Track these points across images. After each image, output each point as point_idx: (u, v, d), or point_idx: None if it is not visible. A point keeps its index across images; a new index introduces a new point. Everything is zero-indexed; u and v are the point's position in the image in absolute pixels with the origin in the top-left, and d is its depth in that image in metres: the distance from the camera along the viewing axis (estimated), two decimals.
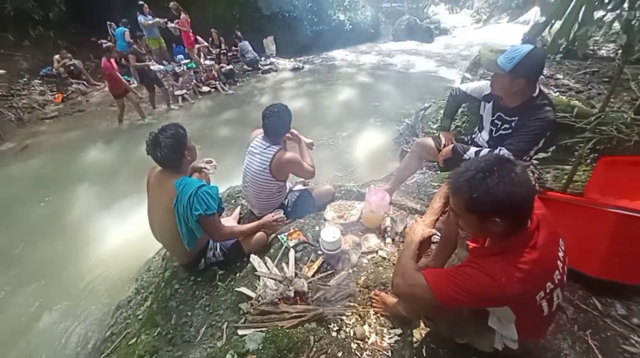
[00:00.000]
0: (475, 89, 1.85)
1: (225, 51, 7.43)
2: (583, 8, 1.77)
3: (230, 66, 7.33)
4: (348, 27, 10.30)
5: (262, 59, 8.39)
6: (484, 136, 1.81)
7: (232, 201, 2.55)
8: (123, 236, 2.98)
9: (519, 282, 0.81)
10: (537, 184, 2.24)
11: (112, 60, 4.92)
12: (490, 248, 0.93)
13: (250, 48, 7.94)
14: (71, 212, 3.48)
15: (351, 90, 6.72)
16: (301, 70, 8.14)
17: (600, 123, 2.26)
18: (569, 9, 1.80)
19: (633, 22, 1.74)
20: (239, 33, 7.91)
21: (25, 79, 6.62)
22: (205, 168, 1.94)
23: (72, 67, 6.74)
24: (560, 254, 0.92)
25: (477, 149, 1.68)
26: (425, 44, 10.53)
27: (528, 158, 1.63)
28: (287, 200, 2.17)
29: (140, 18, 6.78)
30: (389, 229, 1.89)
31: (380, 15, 11.62)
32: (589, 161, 2.48)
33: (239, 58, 8.03)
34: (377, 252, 1.77)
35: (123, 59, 6.20)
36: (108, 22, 7.36)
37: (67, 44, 7.29)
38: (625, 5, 1.74)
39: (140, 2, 6.71)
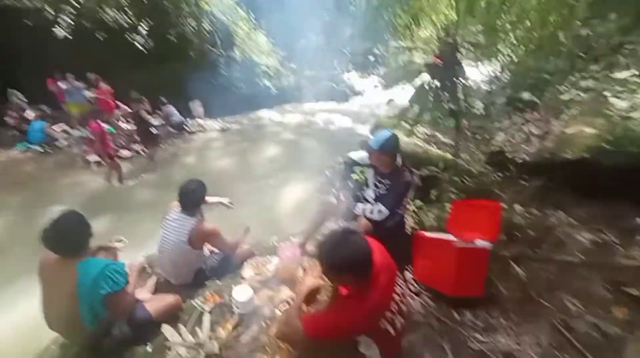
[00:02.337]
0: (363, 158, 2.36)
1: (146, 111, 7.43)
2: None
3: (154, 130, 7.29)
4: (274, 92, 11.27)
5: (189, 120, 8.55)
6: (370, 193, 2.26)
7: (149, 271, 2.51)
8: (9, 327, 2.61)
9: (367, 316, 1.12)
10: (412, 228, 2.72)
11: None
12: (348, 293, 1.23)
13: (175, 111, 8.07)
14: None
15: (277, 147, 7.20)
16: (228, 130, 8.49)
17: (456, 173, 2.94)
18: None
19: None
20: (162, 98, 8.03)
21: None
22: (114, 247, 1.96)
23: None
24: (398, 289, 1.25)
25: (364, 205, 2.12)
26: (342, 103, 11.98)
27: (402, 208, 2.14)
28: (205, 265, 2.25)
29: (61, 84, 6.62)
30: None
31: (302, 81, 13.02)
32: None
33: (163, 121, 8.06)
34: (288, 302, 1.95)
35: None
36: (12, 91, 6.91)
37: None
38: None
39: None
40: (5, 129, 6.93)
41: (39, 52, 7.22)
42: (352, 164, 2.52)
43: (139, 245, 2.93)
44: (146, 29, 7.61)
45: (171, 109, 8.01)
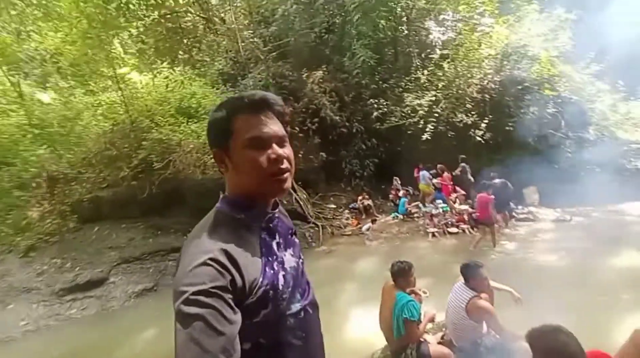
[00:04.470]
0: None
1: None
2: None
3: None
4: None
5: (519, 207, 8.44)
6: None
7: (443, 330, 3.14)
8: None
9: None
10: None
11: (488, 193, 6.36)
12: None
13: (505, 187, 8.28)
14: (335, 303, 5.20)
15: None
16: (567, 222, 7.35)
17: None
18: None
19: None
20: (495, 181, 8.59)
21: (341, 209, 10.68)
22: (420, 294, 2.84)
23: (367, 205, 10.16)
24: None
25: None
26: None
27: None
28: (481, 341, 2.54)
29: (425, 173, 9.42)
30: None
31: None
32: None
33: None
34: None
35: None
36: (395, 177, 10.68)
37: (368, 190, 11.13)
38: None
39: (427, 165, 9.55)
40: (387, 202, 10.70)
41: (411, 150, 10.70)
42: None
43: (437, 302, 3.67)
44: (485, 123, 8.87)
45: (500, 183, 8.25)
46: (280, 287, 0.81)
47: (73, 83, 8.94)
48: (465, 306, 2.49)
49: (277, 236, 0.89)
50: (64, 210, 7.85)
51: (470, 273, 2.57)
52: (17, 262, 6.82)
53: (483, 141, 8.89)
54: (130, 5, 9.12)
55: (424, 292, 2.95)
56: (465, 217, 8.03)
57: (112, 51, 8.84)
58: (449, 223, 8.05)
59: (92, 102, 8.94)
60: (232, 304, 0.69)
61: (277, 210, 0.93)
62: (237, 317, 0.69)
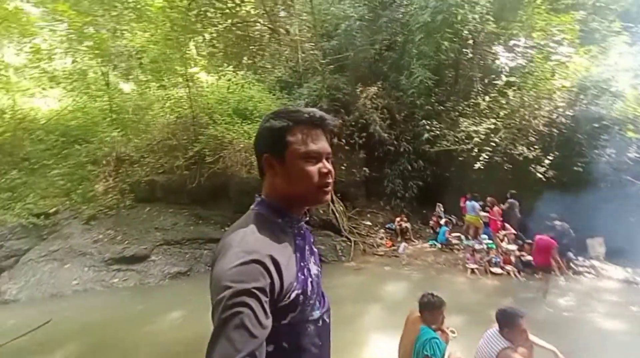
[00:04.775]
0: None
1: (530, 242, 7.55)
2: None
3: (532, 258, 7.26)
4: None
5: (580, 258, 7.48)
6: None
7: None
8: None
9: None
10: None
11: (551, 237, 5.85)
12: None
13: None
14: (356, 323, 5.02)
15: None
16: (637, 285, 6.32)
17: None
18: None
19: None
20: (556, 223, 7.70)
21: (377, 228, 10.39)
22: (447, 333, 2.61)
23: (404, 227, 9.76)
24: None
25: None
26: None
27: None
28: None
29: (475, 204, 8.75)
30: None
31: None
32: None
33: None
34: None
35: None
36: (438, 203, 10.13)
37: (407, 212, 10.69)
38: None
39: (475, 195, 8.95)
40: (426, 228, 10.18)
41: (460, 178, 10.10)
42: None
43: (466, 346, 3.35)
44: (550, 159, 8.05)
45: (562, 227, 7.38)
46: (309, 293, 0.86)
47: (150, 77, 9.95)
48: (495, 356, 2.23)
49: (306, 243, 0.94)
50: (124, 188, 8.71)
51: (507, 322, 2.31)
52: (79, 228, 7.67)
53: (544, 179, 8.07)
54: (208, 13, 10.03)
55: (452, 331, 2.71)
56: (512, 258, 7.32)
57: (187, 52, 9.73)
58: (493, 261, 7.39)
59: (162, 95, 9.87)
60: (267, 308, 0.72)
61: (306, 218, 0.97)
62: (269, 322, 0.72)
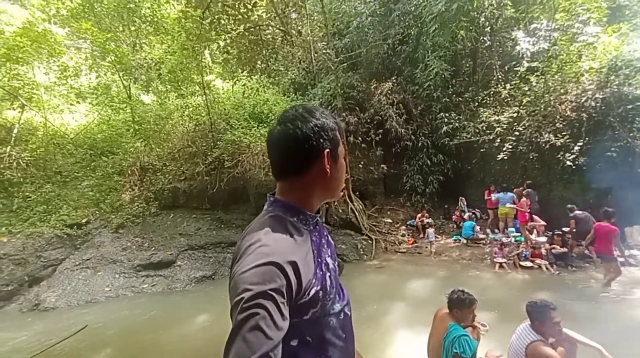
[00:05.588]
0: None
1: (561, 233, 7.18)
2: None
3: (565, 249, 6.90)
4: None
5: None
6: None
7: None
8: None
9: None
10: None
11: (611, 223, 5.32)
12: None
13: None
14: (381, 322, 4.94)
15: None
16: None
17: None
18: None
19: None
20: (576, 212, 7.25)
21: (397, 225, 10.22)
22: (479, 327, 2.51)
23: (425, 223, 9.53)
24: None
25: None
26: None
27: None
28: None
29: (508, 194, 8.29)
30: None
31: None
32: None
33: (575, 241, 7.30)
34: None
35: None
36: (460, 197, 9.82)
37: (428, 208, 10.44)
38: None
39: (503, 185, 8.66)
40: (450, 223, 9.90)
41: (483, 170, 9.77)
42: None
43: (498, 343, 3.21)
44: (580, 145, 7.61)
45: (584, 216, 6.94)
46: (328, 288, 0.86)
47: (169, 87, 10.27)
48: (525, 349, 2.12)
49: (322, 239, 0.95)
50: (148, 196, 9.01)
51: (537, 314, 2.20)
52: (109, 236, 8.01)
53: (574, 166, 7.64)
54: (221, 20, 10.23)
55: (483, 325, 2.60)
56: (543, 251, 6.97)
57: (203, 60, 9.96)
58: (522, 255, 7.08)
59: (181, 104, 10.16)
60: (283, 309, 0.73)
61: (320, 213, 0.98)
62: (285, 324, 0.73)
